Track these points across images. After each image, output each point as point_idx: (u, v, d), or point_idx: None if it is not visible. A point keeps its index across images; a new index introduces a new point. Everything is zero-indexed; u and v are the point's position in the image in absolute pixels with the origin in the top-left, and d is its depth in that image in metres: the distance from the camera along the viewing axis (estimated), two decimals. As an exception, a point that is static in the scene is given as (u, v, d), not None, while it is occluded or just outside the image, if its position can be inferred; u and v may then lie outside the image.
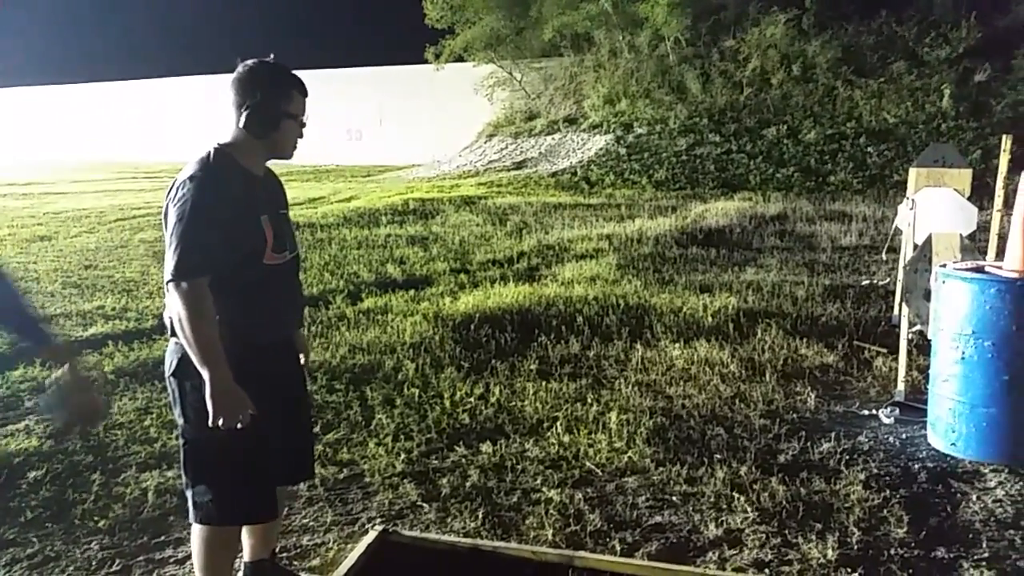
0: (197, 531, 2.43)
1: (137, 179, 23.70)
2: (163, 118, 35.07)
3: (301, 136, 2.41)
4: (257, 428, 2.27)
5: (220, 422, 2.18)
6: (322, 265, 8.68)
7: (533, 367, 5.11)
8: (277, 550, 2.88)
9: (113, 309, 6.87)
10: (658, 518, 3.23)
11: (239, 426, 2.20)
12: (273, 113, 2.29)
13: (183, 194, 2.18)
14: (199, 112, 34.43)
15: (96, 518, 3.29)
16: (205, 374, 2.16)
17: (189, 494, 2.39)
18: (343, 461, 3.77)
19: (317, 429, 4.08)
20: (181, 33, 40.72)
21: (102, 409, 2.35)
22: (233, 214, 2.24)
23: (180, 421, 2.36)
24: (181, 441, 2.36)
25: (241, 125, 2.28)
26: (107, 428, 4.22)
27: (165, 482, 3.59)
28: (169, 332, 2.30)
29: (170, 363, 2.33)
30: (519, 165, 20.79)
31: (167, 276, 2.18)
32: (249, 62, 2.30)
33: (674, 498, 3.39)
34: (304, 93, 2.37)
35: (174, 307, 2.18)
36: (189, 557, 2.97)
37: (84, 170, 27.35)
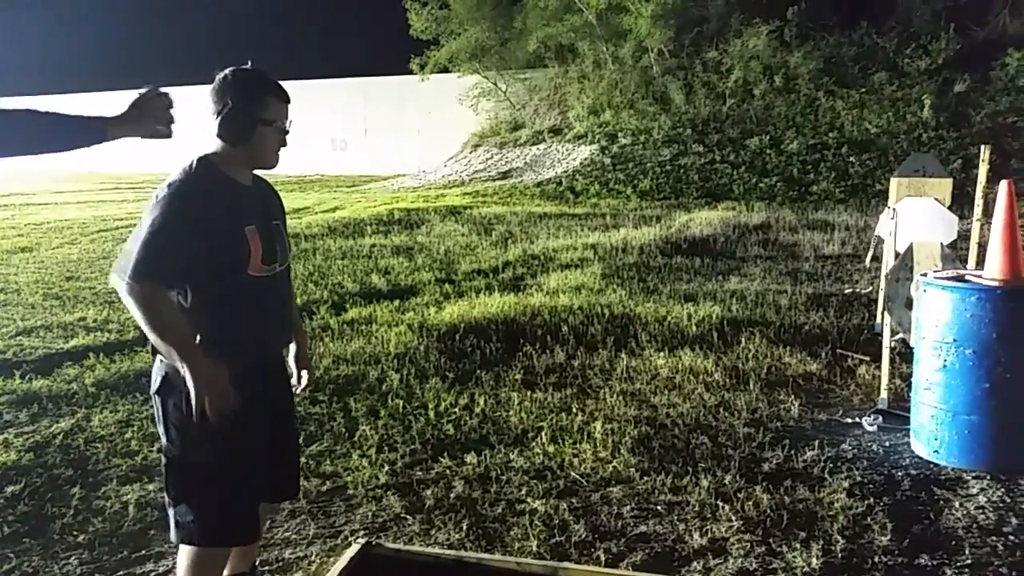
0: (184, 551, 2.37)
1: (120, 190, 23.55)
2: (146, 129, 34.87)
3: (283, 144, 2.35)
4: (241, 447, 2.24)
5: (208, 415, 2.11)
6: (306, 275, 8.64)
7: (518, 377, 5.10)
8: (258, 563, 2.85)
9: (95, 321, 6.81)
10: (643, 528, 3.23)
11: (228, 415, 2.13)
12: (246, 120, 2.24)
13: (159, 200, 2.15)
14: (183, 123, 34.30)
15: (75, 533, 3.25)
16: (184, 370, 2.11)
17: (171, 513, 2.33)
18: (326, 473, 3.74)
19: (300, 441, 4.05)
20: (165, 43, 40.57)
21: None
22: (212, 224, 2.19)
23: (163, 440, 2.30)
24: (164, 460, 2.31)
25: (216, 134, 2.25)
26: (87, 441, 4.17)
27: (146, 495, 3.55)
28: (152, 349, 2.25)
29: (155, 380, 2.28)
30: (504, 175, 20.83)
31: (124, 274, 2.08)
32: (225, 70, 2.27)
33: (659, 507, 3.39)
34: (283, 99, 2.30)
35: (130, 309, 2.11)
36: (169, 571, 2.94)
37: (66, 181, 27.15)
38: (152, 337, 2.13)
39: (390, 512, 3.39)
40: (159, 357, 2.24)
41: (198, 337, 2.18)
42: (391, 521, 3.32)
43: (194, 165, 2.24)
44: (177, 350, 2.11)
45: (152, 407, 2.35)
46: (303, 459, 3.85)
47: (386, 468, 3.79)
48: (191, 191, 2.18)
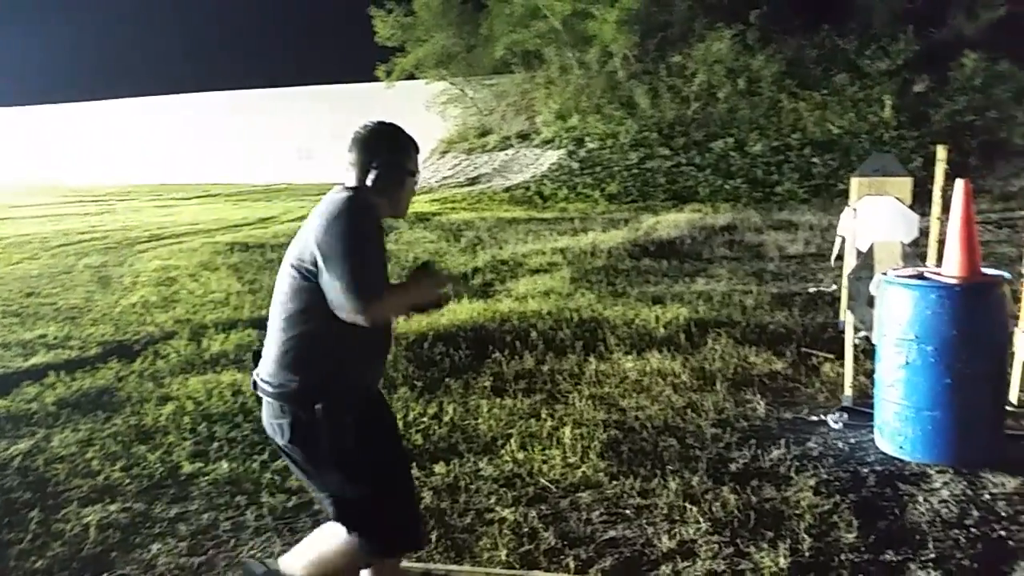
0: (350, 550, 2.37)
1: (83, 203, 23.16)
2: (111, 140, 34.43)
3: (414, 192, 2.52)
4: (390, 460, 2.42)
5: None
6: (272, 286, 8.53)
7: (487, 384, 5.09)
8: None
9: (55, 338, 6.68)
10: (612, 533, 3.22)
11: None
12: (397, 172, 2.40)
13: (342, 220, 2.21)
14: (147, 134, 33.89)
15: (34, 558, 3.16)
16: (411, 297, 2.39)
17: (354, 535, 2.36)
18: (292, 488, 3.67)
19: (265, 457, 4.01)
20: (128, 54, 40.07)
21: None
22: (382, 245, 2.33)
23: (312, 481, 2.36)
24: (331, 499, 2.35)
25: (368, 183, 2.37)
26: (47, 462, 4.08)
27: (107, 516, 3.48)
28: (273, 393, 2.29)
29: (281, 430, 2.28)
30: (473, 181, 20.82)
31: (354, 309, 2.13)
32: (370, 123, 2.43)
33: (628, 512, 3.39)
34: (418, 150, 2.49)
35: (369, 320, 2.18)
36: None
37: (25, 194, 26.65)
38: (399, 314, 2.45)
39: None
40: (277, 404, 2.27)
41: (331, 355, 2.28)
42: (358, 534, 3.28)
43: (360, 197, 2.32)
44: (409, 304, 2.40)
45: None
46: (268, 475, 3.82)
47: (354, 480, 3.75)
48: (370, 211, 2.28)
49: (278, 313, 2.33)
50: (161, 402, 4.95)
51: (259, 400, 2.40)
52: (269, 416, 2.32)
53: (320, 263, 2.19)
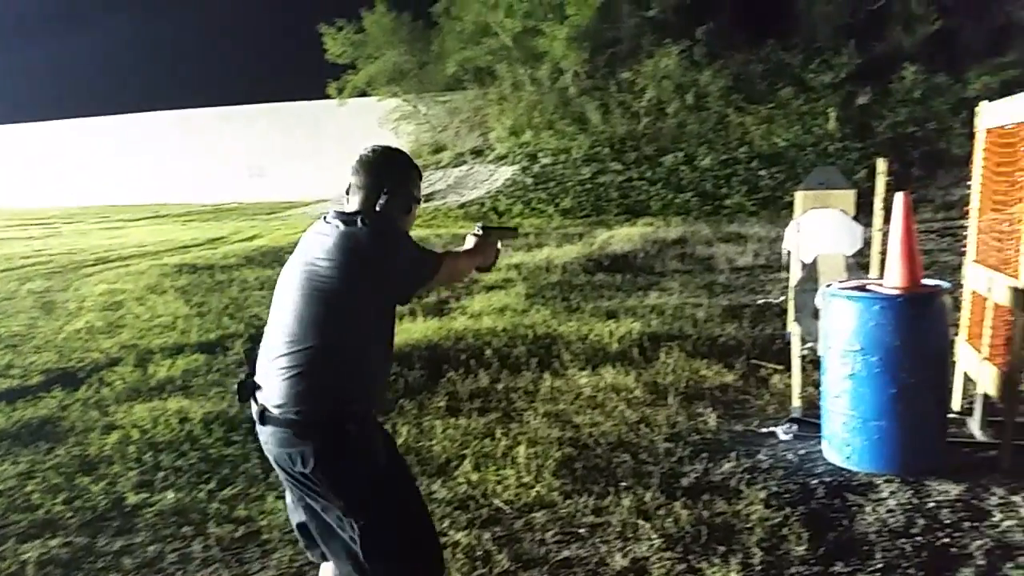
0: None
1: (26, 227, 22.57)
2: (56, 161, 33.64)
3: (415, 219, 2.56)
4: (407, 482, 2.43)
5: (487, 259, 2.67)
6: (221, 309, 8.40)
7: (441, 404, 5.05)
8: None
9: (-6, 367, 6.48)
10: (566, 553, 3.21)
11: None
12: (406, 199, 2.42)
13: (390, 241, 2.29)
14: (93, 155, 33.19)
15: (-33, 599, 3.05)
16: (476, 260, 2.65)
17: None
18: (239, 518, 3.60)
19: (212, 486, 3.93)
20: (73, 73, 39.30)
21: None
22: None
23: (338, 511, 2.21)
24: (354, 529, 2.20)
25: (379, 208, 2.35)
26: (-16, 498, 3.95)
27: (47, 552, 3.37)
28: (291, 420, 2.18)
29: (302, 457, 2.17)
30: (427, 198, 20.76)
31: (431, 276, 2.38)
32: (378, 147, 2.45)
33: (582, 531, 3.38)
34: (421, 177, 2.53)
35: (455, 282, 2.47)
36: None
37: (-33, 218, 25.89)
38: (467, 272, 2.74)
39: (307, 556, 3.28)
40: (288, 434, 2.18)
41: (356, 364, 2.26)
42: (308, 566, 3.21)
43: (379, 221, 2.33)
44: (475, 260, 2.65)
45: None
46: (215, 504, 3.74)
47: (304, 507, 3.68)
48: (399, 227, 2.40)
49: (288, 339, 2.21)
50: (106, 431, 4.82)
51: (254, 430, 2.31)
52: (281, 445, 2.19)
53: (389, 286, 2.29)
